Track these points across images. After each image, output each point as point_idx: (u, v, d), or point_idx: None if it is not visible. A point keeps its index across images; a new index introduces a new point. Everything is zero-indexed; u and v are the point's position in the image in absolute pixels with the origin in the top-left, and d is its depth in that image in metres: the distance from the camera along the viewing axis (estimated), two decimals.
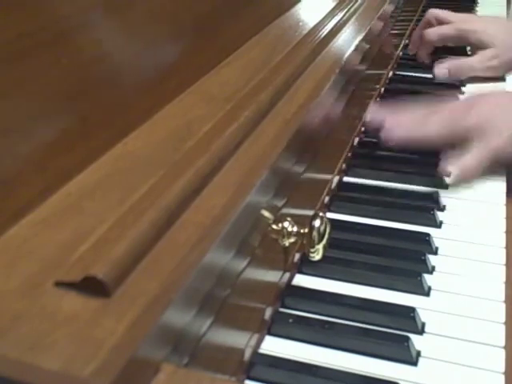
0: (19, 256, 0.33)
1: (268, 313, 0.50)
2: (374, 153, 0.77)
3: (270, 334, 0.50)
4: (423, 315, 0.52)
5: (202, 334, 0.38)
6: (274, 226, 0.50)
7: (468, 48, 1.06)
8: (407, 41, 1.15)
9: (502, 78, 0.96)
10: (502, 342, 0.49)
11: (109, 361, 0.28)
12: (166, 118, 0.48)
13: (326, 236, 0.50)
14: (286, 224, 0.50)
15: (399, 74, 1.03)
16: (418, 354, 0.48)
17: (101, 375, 0.28)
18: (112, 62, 0.45)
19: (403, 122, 0.74)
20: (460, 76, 0.95)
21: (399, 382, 0.46)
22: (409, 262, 0.58)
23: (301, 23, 0.72)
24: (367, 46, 0.80)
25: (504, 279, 0.56)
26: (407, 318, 0.51)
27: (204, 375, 0.36)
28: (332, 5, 0.80)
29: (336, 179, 0.70)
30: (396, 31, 1.12)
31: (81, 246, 0.34)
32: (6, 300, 0.31)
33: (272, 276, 0.52)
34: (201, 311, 0.37)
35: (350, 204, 0.67)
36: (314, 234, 0.49)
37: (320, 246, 0.50)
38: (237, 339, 0.45)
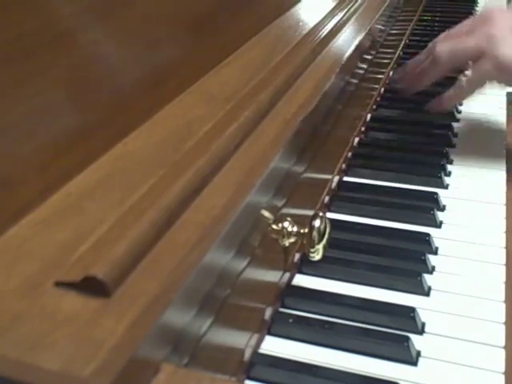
0: (19, 256, 0.33)
1: (268, 313, 0.50)
2: (374, 153, 0.77)
3: (270, 334, 0.50)
4: (423, 315, 0.52)
5: (201, 333, 0.38)
6: (274, 226, 0.50)
7: None
8: (407, 41, 1.15)
9: None
10: (502, 342, 0.49)
11: (109, 361, 0.28)
12: (166, 118, 0.48)
13: (326, 236, 0.50)
14: (286, 224, 0.50)
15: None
16: (418, 354, 0.48)
17: (101, 375, 0.28)
18: (112, 62, 0.45)
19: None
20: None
21: (399, 382, 0.46)
22: (409, 261, 0.58)
23: (301, 23, 0.72)
24: (367, 46, 0.80)
25: (504, 279, 0.56)
26: (407, 318, 0.51)
27: (204, 375, 0.36)
28: (332, 5, 0.80)
29: (336, 179, 0.70)
30: (396, 31, 1.12)
31: (81, 246, 0.34)
32: (5, 300, 0.31)
33: (272, 276, 0.52)
34: (201, 311, 0.37)
35: (350, 204, 0.67)
36: (314, 233, 0.49)
37: (320, 246, 0.50)
38: (237, 339, 0.45)
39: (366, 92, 0.89)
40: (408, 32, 1.18)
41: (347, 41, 0.73)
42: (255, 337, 0.48)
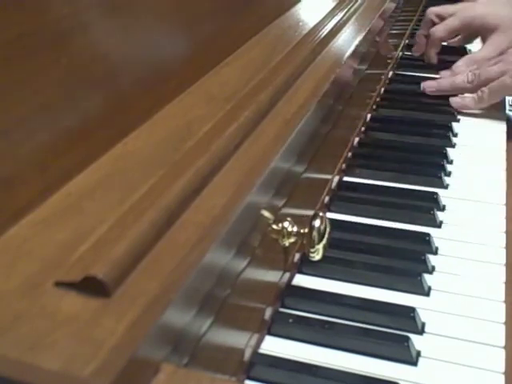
0: (19, 256, 0.33)
1: (268, 313, 0.50)
2: (374, 153, 0.78)
3: (270, 334, 0.50)
4: (423, 315, 0.52)
5: (201, 333, 0.38)
6: (274, 226, 0.50)
7: (468, 48, 1.07)
8: (407, 41, 1.15)
9: None
10: (502, 342, 0.49)
11: (109, 361, 0.28)
12: (166, 118, 0.48)
13: (326, 236, 0.50)
14: (286, 224, 0.50)
15: (399, 74, 1.03)
16: (418, 354, 0.49)
17: (101, 375, 0.28)
18: (112, 62, 0.45)
19: None
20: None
21: (399, 382, 0.46)
22: (409, 262, 0.58)
23: (301, 23, 0.72)
24: (367, 46, 0.80)
25: (504, 279, 0.56)
26: (407, 318, 0.51)
27: (204, 375, 0.36)
28: (332, 5, 0.80)
29: (336, 179, 0.70)
30: (396, 31, 1.12)
31: (81, 246, 0.34)
32: (5, 300, 0.31)
33: (272, 276, 0.52)
34: (201, 311, 0.37)
35: (350, 204, 0.67)
36: (314, 233, 0.49)
37: (320, 246, 0.50)
38: (237, 339, 0.45)
39: (365, 92, 0.89)
40: (408, 32, 1.18)
41: (347, 41, 0.73)
42: (255, 337, 0.48)
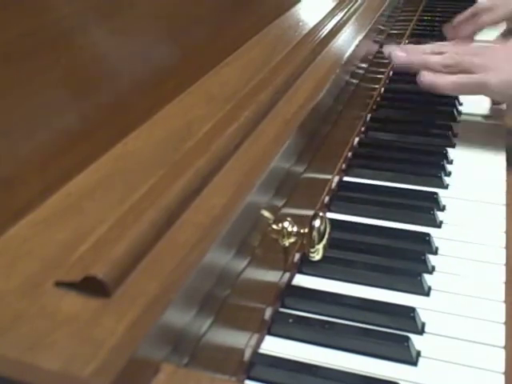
0: (19, 256, 0.33)
1: (268, 313, 0.50)
2: (374, 153, 0.77)
3: (270, 334, 0.50)
4: (423, 315, 0.52)
5: (201, 333, 0.38)
6: (274, 226, 0.50)
7: None
8: (407, 41, 1.15)
9: None
10: (502, 342, 0.49)
11: (109, 361, 0.28)
12: (166, 118, 0.48)
13: (326, 236, 0.50)
14: (286, 224, 0.50)
15: (400, 73, 1.03)
16: (418, 354, 0.48)
17: (101, 375, 0.28)
18: (112, 62, 0.45)
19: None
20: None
21: (399, 382, 0.46)
22: (409, 262, 0.58)
23: (301, 23, 0.72)
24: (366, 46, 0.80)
25: (504, 279, 0.56)
26: (407, 317, 0.51)
27: (204, 375, 0.36)
28: (332, 5, 0.80)
29: (336, 179, 0.70)
30: (396, 31, 1.12)
31: (81, 246, 0.34)
32: (5, 300, 0.31)
33: (272, 276, 0.52)
34: (201, 311, 0.37)
35: (350, 204, 0.67)
36: (314, 234, 0.49)
37: (320, 246, 0.50)
38: (237, 339, 0.45)
39: (366, 92, 0.89)
40: (408, 32, 1.18)
41: (347, 41, 0.73)
42: (255, 337, 0.48)
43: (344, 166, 0.73)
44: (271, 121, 0.51)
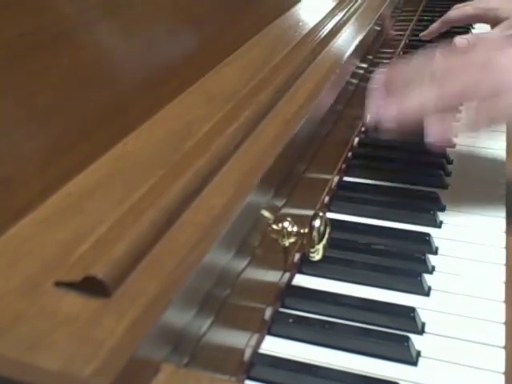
0: (19, 256, 0.33)
1: (268, 313, 0.50)
2: (373, 153, 0.77)
3: (270, 334, 0.50)
4: (423, 315, 0.52)
5: (201, 333, 0.38)
6: (274, 226, 0.50)
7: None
8: (407, 41, 1.15)
9: None
10: (502, 342, 0.49)
11: (109, 361, 0.28)
12: (166, 118, 0.48)
13: (326, 236, 0.50)
14: (286, 224, 0.50)
15: None
16: (418, 354, 0.48)
17: (101, 375, 0.28)
18: (112, 62, 0.45)
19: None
20: None
21: (399, 382, 0.46)
22: (409, 261, 0.58)
23: (301, 23, 0.72)
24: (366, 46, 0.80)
25: (504, 279, 0.56)
26: (407, 318, 0.51)
27: (204, 375, 0.36)
28: (332, 5, 0.80)
29: (336, 179, 0.70)
30: (396, 31, 1.12)
31: (81, 246, 0.34)
32: (5, 300, 0.31)
33: (272, 276, 0.52)
34: (201, 311, 0.37)
35: (350, 204, 0.67)
36: (314, 233, 0.49)
37: (320, 246, 0.50)
38: (237, 339, 0.45)
39: (366, 92, 0.89)
40: (408, 32, 1.18)
41: (347, 41, 0.73)
42: (255, 337, 0.48)
43: (344, 166, 0.73)
44: (271, 121, 0.51)
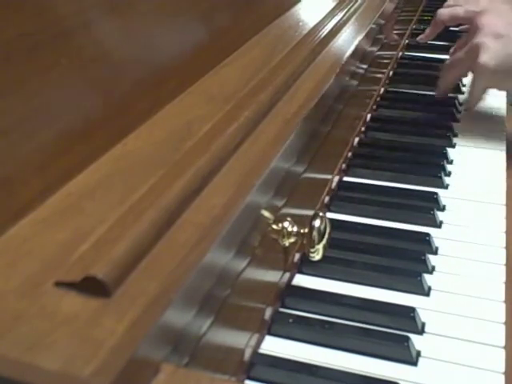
0: (19, 256, 0.33)
1: (268, 313, 0.50)
2: (374, 153, 0.78)
3: (270, 334, 0.50)
4: (423, 315, 0.52)
5: (201, 333, 0.38)
6: (274, 226, 0.50)
7: None
8: (407, 41, 1.15)
9: None
10: (502, 342, 0.49)
11: (109, 361, 0.28)
12: (165, 118, 0.48)
13: (326, 236, 0.50)
14: (286, 224, 0.50)
15: (400, 74, 1.03)
16: (418, 354, 0.49)
17: (101, 375, 0.28)
18: (112, 62, 0.45)
19: None
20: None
21: (399, 382, 0.46)
22: (409, 261, 0.58)
23: (301, 23, 0.72)
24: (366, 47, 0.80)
25: (504, 279, 0.56)
26: (407, 318, 0.51)
27: (204, 375, 0.36)
28: (332, 5, 0.80)
29: (336, 179, 0.70)
30: (396, 31, 1.12)
31: (81, 246, 0.34)
32: (5, 300, 0.31)
33: (272, 276, 0.52)
34: (201, 311, 0.37)
35: (350, 204, 0.67)
36: (314, 233, 0.49)
37: (320, 246, 0.50)
38: (237, 339, 0.45)
39: (365, 92, 0.89)
40: (408, 32, 1.18)
41: (347, 41, 0.73)
42: (255, 337, 0.48)
43: (344, 165, 0.73)
44: (271, 121, 0.51)
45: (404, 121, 0.86)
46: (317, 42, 0.67)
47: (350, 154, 0.76)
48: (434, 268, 0.58)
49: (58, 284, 0.32)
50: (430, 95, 0.91)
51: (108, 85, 0.44)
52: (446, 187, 0.70)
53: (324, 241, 0.50)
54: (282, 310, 0.53)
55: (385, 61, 1.01)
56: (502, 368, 0.47)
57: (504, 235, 0.62)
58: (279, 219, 0.50)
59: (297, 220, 0.51)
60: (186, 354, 0.36)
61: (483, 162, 0.76)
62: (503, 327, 0.51)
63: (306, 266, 0.57)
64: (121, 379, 0.28)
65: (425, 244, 0.60)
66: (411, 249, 0.60)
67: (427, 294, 0.55)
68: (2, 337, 0.29)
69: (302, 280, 0.56)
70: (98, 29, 0.44)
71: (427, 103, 0.90)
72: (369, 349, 0.49)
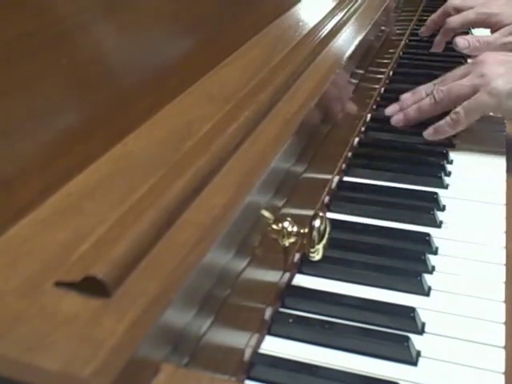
0: (19, 256, 0.33)
1: (268, 313, 0.50)
2: (374, 153, 0.77)
3: (270, 333, 0.50)
4: (423, 315, 0.52)
5: (201, 333, 0.38)
6: (274, 226, 0.50)
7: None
8: (407, 41, 1.15)
9: None
10: (502, 342, 0.49)
11: (109, 361, 0.28)
12: (165, 118, 0.48)
13: (326, 236, 0.50)
14: (286, 224, 0.50)
15: (400, 73, 1.03)
16: (418, 354, 0.48)
17: (101, 375, 0.28)
18: (112, 62, 0.45)
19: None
20: (476, 52, 0.95)
21: (399, 382, 0.46)
22: (409, 261, 0.58)
23: (301, 23, 0.72)
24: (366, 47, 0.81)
25: (504, 279, 0.56)
26: (407, 318, 0.51)
27: (204, 375, 0.36)
28: (332, 5, 0.80)
29: (336, 179, 0.70)
30: (396, 31, 1.13)
31: (81, 246, 0.34)
32: (5, 300, 0.31)
33: (272, 276, 0.52)
34: (201, 311, 0.37)
35: (350, 204, 0.67)
36: (314, 233, 0.49)
37: (320, 246, 0.50)
38: (237, 339, 0.45)
39: (365, 92, 0.89)
40: (408, 32, 1.18)
41: (347, 41, 0.73)
42: (255, 337, 0.48)
43: (344, 166, 0.73)
44: (271, 121, 0.51)
45: None
46: (317, 42, 0.67)
47: (349, 154, 0.76)
48: (433, 268, 0.58)
49: (58, 284, 0.32)
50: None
51: (108, 85, 0.44)
52: (446, 187, 0.70)
53: (324, 241, 0.50)
54: (281, 309, 0.53)
55: (385, 60, 1.01)
56: (502, 368, 0.47)
57: (504, 235, 0.62)
58: (279, 219, 0.50)
59: (297, 220, 0.51)
60: (186, 354, 0.36)
61: (483, 162, 0.76)
62: (503, 327, 0.51)
63: (306, 266, 0.57)
64: (121, 379, 0.28)
65: (425, 244, 0.60)
66: (411, 249, 0.60)
67: (427, 294, 0.55)
68: (1, 337, 0.29)
69: (301, 280, 0.56)
70: (98, 29, 0.44)
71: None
72: (369, 349, 0.49)
